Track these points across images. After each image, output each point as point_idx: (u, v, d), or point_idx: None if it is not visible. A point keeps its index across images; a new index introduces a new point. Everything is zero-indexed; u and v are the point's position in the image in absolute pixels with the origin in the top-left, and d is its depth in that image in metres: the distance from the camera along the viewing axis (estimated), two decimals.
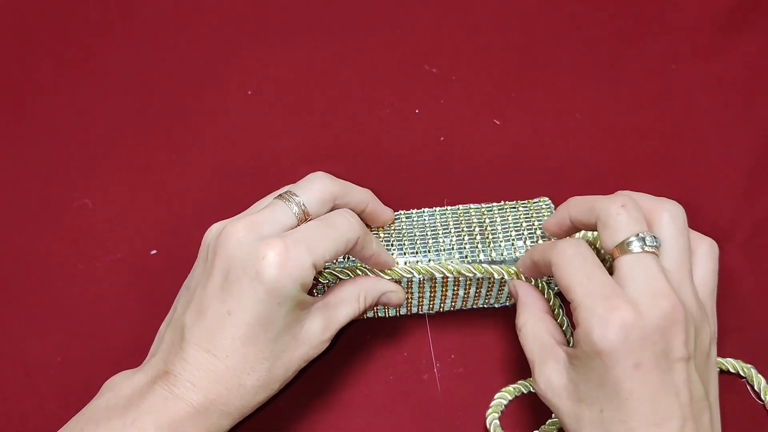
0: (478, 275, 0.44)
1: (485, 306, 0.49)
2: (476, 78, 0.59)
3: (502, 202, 0.48)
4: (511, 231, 0.46)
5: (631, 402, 0.36)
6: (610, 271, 0.38)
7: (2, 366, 0.49)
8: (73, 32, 0.62)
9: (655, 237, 0.38)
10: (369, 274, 0.44)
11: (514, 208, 0.47)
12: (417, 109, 0.58)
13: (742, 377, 0.47)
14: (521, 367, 0.48)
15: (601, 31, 0.61)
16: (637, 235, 0.37)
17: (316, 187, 0.42)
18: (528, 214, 0.47)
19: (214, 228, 0.42)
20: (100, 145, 0.57)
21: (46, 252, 0.53)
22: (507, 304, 0.49)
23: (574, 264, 0.38)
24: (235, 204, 0.54)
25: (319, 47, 0.61)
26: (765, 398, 0.46)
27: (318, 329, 0.41)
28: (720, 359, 0.47)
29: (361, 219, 0.43)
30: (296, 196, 0.41)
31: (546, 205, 0.47)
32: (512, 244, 0.45)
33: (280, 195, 0.42)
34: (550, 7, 0.62)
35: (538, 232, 0.46)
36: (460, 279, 0.46)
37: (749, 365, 0.47)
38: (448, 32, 0.62)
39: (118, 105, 0.59)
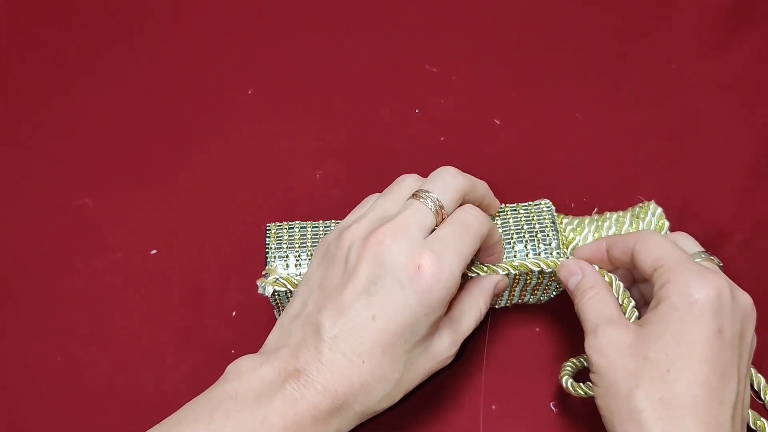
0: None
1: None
2: (476, 78, 0.59)
3: (503, 205, 0.48)
4: (511, 234, 0.46)
5: (703, 367, 0.37)
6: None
7: (2, 366, 0.49)
8: (73, 32, 0.62)
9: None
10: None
11: (515, 210, 0.47)
12: (417, 109, 0.58)
13: None
14: (522, 367, 0.48)
15: (601, 31, 0.61)
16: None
17: (448, 183, 0.41)
18: (528, 216, 0.47)
19: (354, 229, 0.40)
20: (100, 144, 0.57)
21: (46, 252, 0.53)
22: (508, 305, 0.49)
23: (665, 242, 0.41)
24: (236, 203, 0.55)
25: (319, 47, 0.61)
26: (765, 398, 0.46)
27: (446, 344, 0.41)
28: None
29: None
30: (431, 193, 0.40)
31: (547, 207, 0.47)
32: (512, 248, 0.45)
33: (414, 194, 0.41)
34: (550, 6, 0.62)
35: (539, 234, 0.46)
36: None
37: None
38: (448, 32, 0.62)
39: (118, 104, 0.59)
